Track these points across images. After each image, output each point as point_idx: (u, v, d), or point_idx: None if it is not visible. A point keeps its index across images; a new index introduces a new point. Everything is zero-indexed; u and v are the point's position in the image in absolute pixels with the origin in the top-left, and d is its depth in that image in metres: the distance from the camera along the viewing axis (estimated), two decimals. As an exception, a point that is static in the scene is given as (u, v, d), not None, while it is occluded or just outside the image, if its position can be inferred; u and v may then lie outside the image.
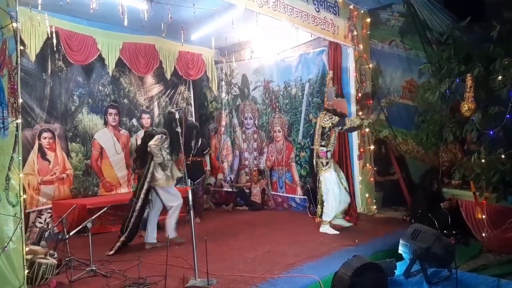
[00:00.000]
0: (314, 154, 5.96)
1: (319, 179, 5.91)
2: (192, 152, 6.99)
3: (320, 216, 5.88)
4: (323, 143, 5.83)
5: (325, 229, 5.76)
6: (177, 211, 5.42)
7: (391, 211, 7.05)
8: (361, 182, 6.93)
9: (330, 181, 5.79)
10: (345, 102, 6.24)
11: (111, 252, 5.05)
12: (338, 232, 5.67)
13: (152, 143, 5.24)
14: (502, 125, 5.13)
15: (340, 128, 5.85)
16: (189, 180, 4.45)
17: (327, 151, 5.83)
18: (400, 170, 7.17)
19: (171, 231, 5.36)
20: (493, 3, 6.14)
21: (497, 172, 5.02)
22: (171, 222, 5.39)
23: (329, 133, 5.82)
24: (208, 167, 7.65)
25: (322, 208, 5.86)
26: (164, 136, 5.38)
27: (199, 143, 7.12)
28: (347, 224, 5.98)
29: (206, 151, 7.34)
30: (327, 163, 5.83)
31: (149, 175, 5.23)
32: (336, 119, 5.77)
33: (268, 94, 8.29)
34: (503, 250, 5.09)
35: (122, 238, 5.17)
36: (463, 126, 5.65)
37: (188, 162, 5.63)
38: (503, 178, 5.02)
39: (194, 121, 8.60)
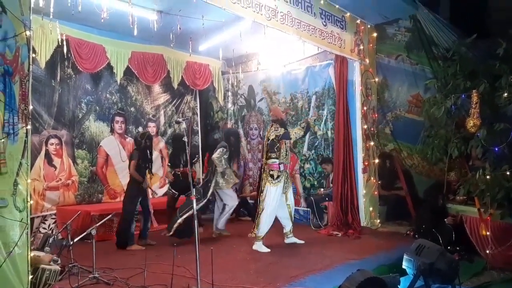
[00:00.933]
0: (262, 168, 5.85)
1: (262, 191, 5.73)
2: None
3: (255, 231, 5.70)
4: (273, 156, 5.67)
5: (257, 246, 5.56)
6: (231, 210, 6.54)
7: (395, 225, 7.02)
8: (365, 196, 6.92)
9: (272, 196, 5.61)
10: (277, 107, 6.30)
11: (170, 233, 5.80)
12: (269, 250, 5.47)
13: (215, 156, 6.20)
14: (507, 142, 5.14)
15: (287, 140, 5.72)
16: (193, 189, 4.46)
17: (279, 163, 5.64)
18: (407, 184, 7.13)
19: (221, 224, 6.49)
20: (499, 21, 6.21)
21: (502, 189, 5.01)
22: (223, 217, 6.49)
23: (278, 145, 5.64)
24: (197, 176, 7.79)
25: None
26: (225, 149, 6.33)
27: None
28: (300, 241, 5.87)
29: (195, 159, 7.47)
30: (278, 176, 5.64)
31: (213, 181, 6.17)
32: (281, 131, 5.68)
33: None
34: (507, 267, 5.06)
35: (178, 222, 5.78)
36: (468, 142, 5.66)
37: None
38: (508, 194, 5.01)
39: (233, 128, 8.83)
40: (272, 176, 5.67)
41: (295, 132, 5.92)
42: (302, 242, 5.91)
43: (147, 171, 5.88)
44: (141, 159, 5.80)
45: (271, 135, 5.72)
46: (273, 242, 5.75)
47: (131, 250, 5.57)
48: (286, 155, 5.73)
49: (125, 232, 5.68)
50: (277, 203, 5.67)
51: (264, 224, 5.62)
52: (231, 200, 6.47)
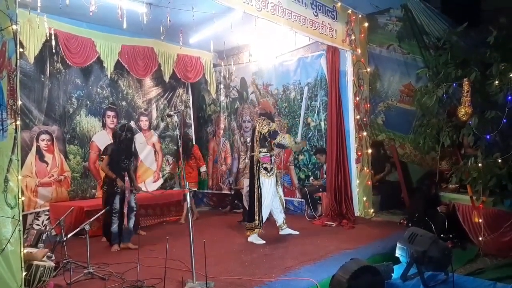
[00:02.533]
0: (254, 161, 5.78)
1: (254, 184, 5.70)
2: None
3: (259, 226, 5.65)
4: (265, 150, 5.74)
5: (253, 238, 5.62)
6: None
7: (388, 215, 7.07)
8: (358, 186, 6.95)
9: (268, 189, 5.68)
10: (267, 101, 6.22)
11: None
12: (264, 242, 5.51)
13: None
14: (498, 130, 5.16)
15: (270, 138, 5.75)
16: (187, 183, 4.47)
17: (270, 156, 5.76)
18: (402, 172, 7.12)
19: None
20: (490, 9, 6.20)
21: (493, 176, 5.05)
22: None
23: (269, 139, 5.73)
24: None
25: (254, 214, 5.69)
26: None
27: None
28: (295, 233, 5.93)
29: None
30: (271, 169, 5.74)
31: None
32: (273, 126, 5.76)
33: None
34: (499, 254, 5.11)
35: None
36: (460, 130, 5.68)
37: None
38: (499, 182, 5.05)
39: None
40: (266, 169, 5.72)
41: (283, 137, 5.86)
42: (297, 232, 5.95)
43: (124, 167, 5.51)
44: (117, 154, 5.46)
45: (263, 129, 5.72)
46: (267, 233, 5.77)
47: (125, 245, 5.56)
48: (273, 148, 5.88)
49: (107, 231, 5.60)
50: (272, 194, 5.72)
51: (262, 215, 5.65)
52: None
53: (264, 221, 5.70)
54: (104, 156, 5.61)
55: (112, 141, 5.74)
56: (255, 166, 5.76)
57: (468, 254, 5.27)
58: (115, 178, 5.43)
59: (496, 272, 4.65)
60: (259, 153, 5.74)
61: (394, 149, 7.32)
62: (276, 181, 5.86)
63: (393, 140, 7.44)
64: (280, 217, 5.94)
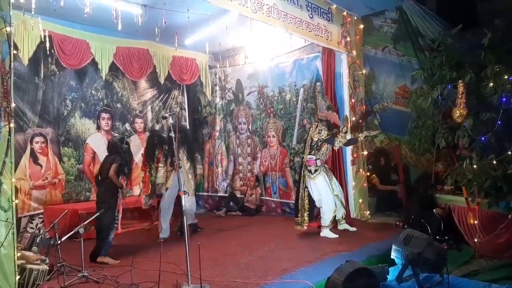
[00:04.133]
0: (303, 164, 6.04)
1: (305, 187, 5.98)
2: None
3: (301, 224, 5.96)
4: (312, 153, 5.91)
5: (326, 233, 5.83)
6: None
7: (384, 217, 7.07)
8: (354, 188, 6.95)
9: (321, 186, 5.88)
10: (335, 115, 6.24)
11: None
12: (337, 236, 5.77)
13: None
14: (493, 131, 5.18)
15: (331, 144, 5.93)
16: (183, 185, 4.44)
17: (316, 159, 5.91)
18: (404, 179, 7.10)
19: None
20: (485, 11, 6.23)
21: (489, 178, 5.05)
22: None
23: (319, 144, 5.90)
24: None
25: (307, 215, 5.96)
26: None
27: None
28: (352, 229, 6.09)
29: None
30: (315, 170, 5.90)
31: None
32: (324, 134, 5.86)
33: (263, 99, 8.31)
34: (495, 255, 5.12)
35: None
36: (455, 132, 5.69)
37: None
38: (495, 183, 5.05)
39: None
40: (310, 171, 5.92)
41: (340, 141, 5.92)
42: (355, 229, 6.11)
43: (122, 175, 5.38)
44: (121, 163, 5.32)
45: (314, 137, 5.92)
46: (262, 235, 5.76)
47: (119, 247, 5.49)
48: (326, 151, 6.04)
49: (103, 243, 5.10)
50: (328, 190, 5.89)
51: (328, 212, 5.84)
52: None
53: (330, 217, 5.87)
54: (113, 165, 5.24)
55: (110, 151, 5.48)
56: (303, 170, 6.01)
57: (464, 256, 5.28)
58: (121, 187, 5.31)
59: (491, 273, 4.66)
60: (307, 155, 5.96)
61: (398, 149, 7.27)
62: (329, 179, 6.01)
63: (398, 140, 7.37)
64: (339, 212, 6.09)
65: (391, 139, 7.40)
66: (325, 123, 6.01)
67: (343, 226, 6.13)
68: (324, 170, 6.03)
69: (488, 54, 5.36)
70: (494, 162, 5.08)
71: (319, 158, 5.93)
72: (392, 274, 4.43)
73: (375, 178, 7.43)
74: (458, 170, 5.43)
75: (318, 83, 6.80)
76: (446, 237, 5.50)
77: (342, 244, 5.35)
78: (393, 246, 4.53)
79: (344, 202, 6.22)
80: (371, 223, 6.79)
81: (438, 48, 6.18)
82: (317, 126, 5.98)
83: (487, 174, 5.07)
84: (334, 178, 6.19)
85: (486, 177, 5.07)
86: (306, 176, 5.98)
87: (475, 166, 5.18)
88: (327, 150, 6.05)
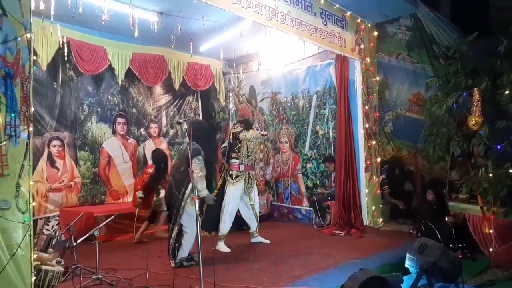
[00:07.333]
0: (222, 167, 5.83)
1: (219, 190, 5.71)
2: None
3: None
4: (234, 156, 5.64)
5: (219, 246, 5.50)
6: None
7: (397, 224, 7.00)
8: (367, 195, 6.91)
9: (232, 196, 5.57)
10: (246, 107, 6.16)
11: None
12: (229, 250, 5.48)
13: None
14: (509, 139, 5.12)
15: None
16: (196, 189, 4.44)
17: (239, 164, 5.61)
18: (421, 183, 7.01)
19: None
20: (500, 18, 6.17)
21: (504, 187, 4.99)
22: None
23: (239, 145, 5.62)
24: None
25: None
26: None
27: None
28: (266, 241, 5.88)
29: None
30: (237, 176, 5.61)
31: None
32: (238, 129, 5.68)
33: (276, 106, 8.33)
34: (511, 265, 5.03)
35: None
36: (470, 140, 5.63)
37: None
38: (510, 192, 4.99)
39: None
40: (231, 176, 5.63)
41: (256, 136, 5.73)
42: (268, 241, 5.90)
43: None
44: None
45: (232, 131, 5.76)
46: (276, 241, 5.75)
47: (133, 250, 5.56)
48: (248, 155, 5.66)
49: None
50: (237, 202, 5.62)
51: (225, 223, 5.55)
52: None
53: (227, 229, 5.55)
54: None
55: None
56: (222, 173, 5.79)
57: (479, 265, 5.19)
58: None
59: (507, 284, 4.60)
60: (229, 159, 5.68)
61: (415, 158, 7.19)
62: (248, 189, 5.71)
63: (415, 148, 7.27)
64: (253, 225, 5.89)
65: (403, 147, 7.36)
66: (244, 122, 5.76)
67: (256, 239, 5.90)
68: (246, 177, 5.68)
69: (504, 62, 5.32)
70: (510, 170, 5.01)
71: (242, 163, 5.61)
72: (406, 283, 4.37)
73: (387, 190, 7.37)
74: (474, 178, 5.37)
75: (233, 85, 6.69)
76: (460, 246, 5.42)
77: (354, 252, 5.31)
78: (407, 255, 4.47)
79: (258, 215, 5.91)
80: (384, 230, 6.73)
81: (453, 56, 6.14)
82: (237, 127, 5.77)
83: (503, 183, 5.01)
84: (255, 188, 5.90)
85: (502, 185, 5.01)
86: (225, 180, 5.66)
87: (490, 175, 5.11)
88: (249, 153, 5.64)
